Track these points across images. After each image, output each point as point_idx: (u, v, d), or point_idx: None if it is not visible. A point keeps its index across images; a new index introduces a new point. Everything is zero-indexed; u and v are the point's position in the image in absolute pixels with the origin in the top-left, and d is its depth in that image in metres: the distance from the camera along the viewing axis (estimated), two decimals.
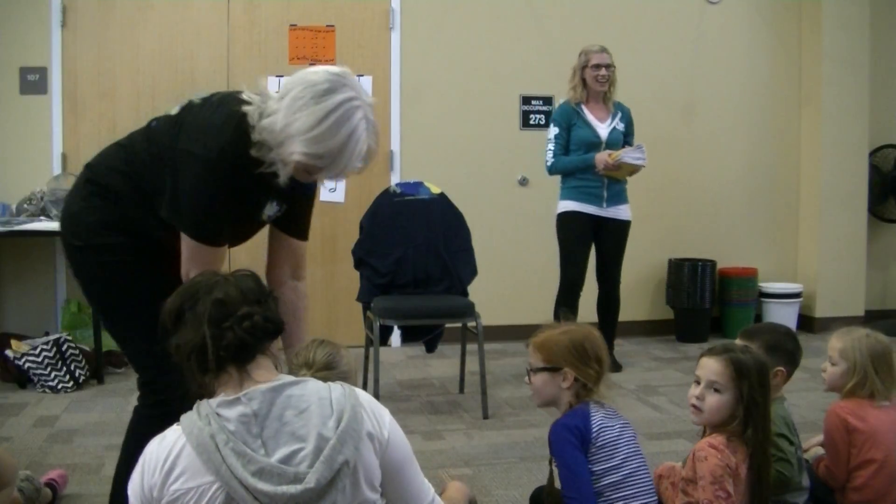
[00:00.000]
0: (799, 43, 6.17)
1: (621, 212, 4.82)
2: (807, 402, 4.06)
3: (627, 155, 4.61)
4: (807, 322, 6.05)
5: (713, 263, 5.83)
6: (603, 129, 4.75)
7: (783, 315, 5.79)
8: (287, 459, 1.55)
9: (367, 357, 4.29)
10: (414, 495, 1.75)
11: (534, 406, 2.59)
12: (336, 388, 1.67)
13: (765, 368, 2.20)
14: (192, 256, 2.16)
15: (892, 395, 2.57)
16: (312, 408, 1.60)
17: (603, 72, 4.70)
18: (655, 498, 2.24)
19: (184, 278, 2.15)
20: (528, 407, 4.05)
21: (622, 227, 4.85)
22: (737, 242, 6.12)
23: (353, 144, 2.01)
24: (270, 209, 2.30)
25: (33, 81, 5.10)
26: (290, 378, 1.67)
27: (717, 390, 2.17)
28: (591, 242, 4.86)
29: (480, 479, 3.21)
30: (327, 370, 2.04)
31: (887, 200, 6.30)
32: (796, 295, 5.99)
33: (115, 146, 2.35)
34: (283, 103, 2.01)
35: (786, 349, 2.54)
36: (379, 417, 1.69)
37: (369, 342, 4.19)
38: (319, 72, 2.03)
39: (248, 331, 1.63)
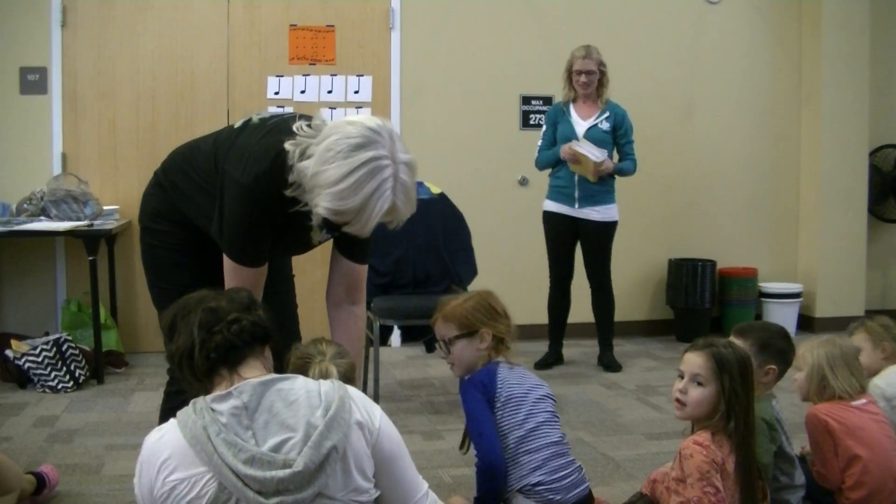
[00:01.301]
0: (799, 43, 6.17)
1: (596, 213, 4.81)
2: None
3: (582, 145, 4.65)
4: (807, 322, 6.05)
5: (713, 263, 5.83)
6: (581, 126, 4.79)
7: (783, 315, 5.79)
8: (277, 448, 1.60)
9: (367, 357, 4.28)
10: (407, 488, 1.80)
11: None
12: (325, 383, 1.73)
13: (747, 362, 2.24)
14: (231, 274, 2.21)
15: (864, 393, 2.62)
16: (301, 400, 1.66)
17: (583, 79, 4.76)
18: (567, 449, 2.37)
19: None
20: None
21: (598, 228, 4.84)
22: (737, 242, 6.12)
23: (374, 202, 1.97)
24: (319, 236, 2.32)
25: (33, 81, 5.10)
26: (280, 375, 1.73)
27: (699, 384, 2.23)
28: (572, 241, 4.93)
29: None
30: (340, 357, 2.09)
31: (887, 200, 6.30)
32: (796, 295, 5.99)
33: (187, 144, 2.46)
34: (318, 149, 1.99)
35: (777, 347, 2.58)
36: (370, 409, 1.75)
37: (369, 342, 4.18)
38: (357, 124, 2.00)
39: (237, 333, 1.71)
